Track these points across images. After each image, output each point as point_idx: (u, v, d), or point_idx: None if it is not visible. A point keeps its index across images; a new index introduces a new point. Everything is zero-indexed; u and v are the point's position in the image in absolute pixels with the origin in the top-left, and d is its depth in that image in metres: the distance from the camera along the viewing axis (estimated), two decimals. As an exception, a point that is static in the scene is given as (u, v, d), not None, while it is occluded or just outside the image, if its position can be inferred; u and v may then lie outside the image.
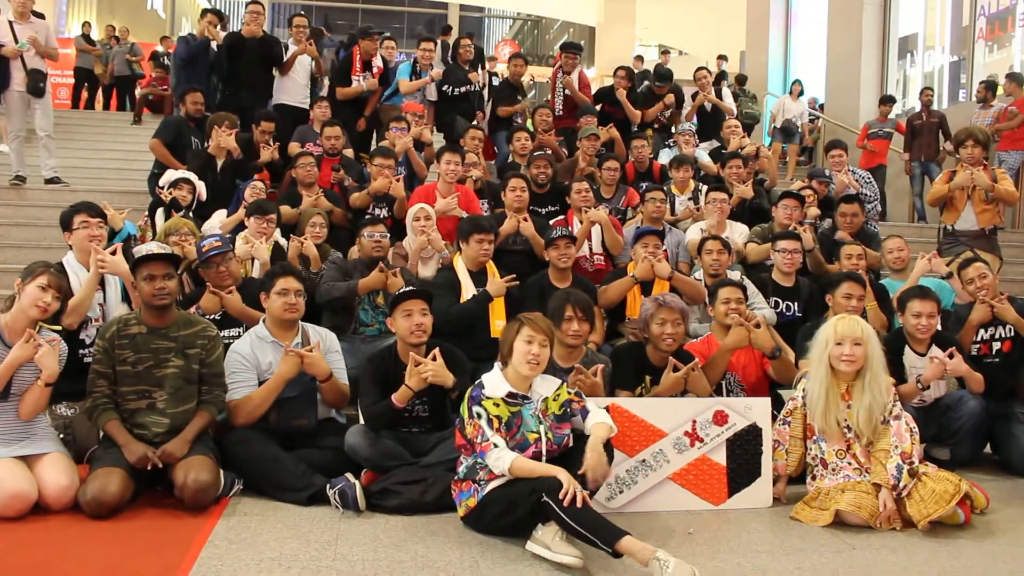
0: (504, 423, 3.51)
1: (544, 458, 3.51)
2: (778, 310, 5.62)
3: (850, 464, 3.97)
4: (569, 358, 4.33)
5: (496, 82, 9.62)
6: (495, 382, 3.60)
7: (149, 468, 3.71)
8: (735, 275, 5.79)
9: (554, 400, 3.64)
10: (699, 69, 10.27)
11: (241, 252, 5.48)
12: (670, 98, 9.42)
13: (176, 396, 3.93)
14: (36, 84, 8.28)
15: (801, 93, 13.42)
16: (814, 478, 4.05)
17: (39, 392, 3.76)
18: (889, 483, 3.79)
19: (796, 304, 5.67)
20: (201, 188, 6.48)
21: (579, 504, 3.18)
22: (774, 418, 4.22)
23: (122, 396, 3.90)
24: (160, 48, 15.62)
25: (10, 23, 8.22)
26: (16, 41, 8.16)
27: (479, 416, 3.50)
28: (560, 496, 3.19)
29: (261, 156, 7.38)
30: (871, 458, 3.93)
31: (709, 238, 5.85)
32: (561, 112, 9.21)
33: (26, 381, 3.76)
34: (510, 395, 3.57)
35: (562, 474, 3.28)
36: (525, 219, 6.10)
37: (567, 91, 9.25)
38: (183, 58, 8.48)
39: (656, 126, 9.52)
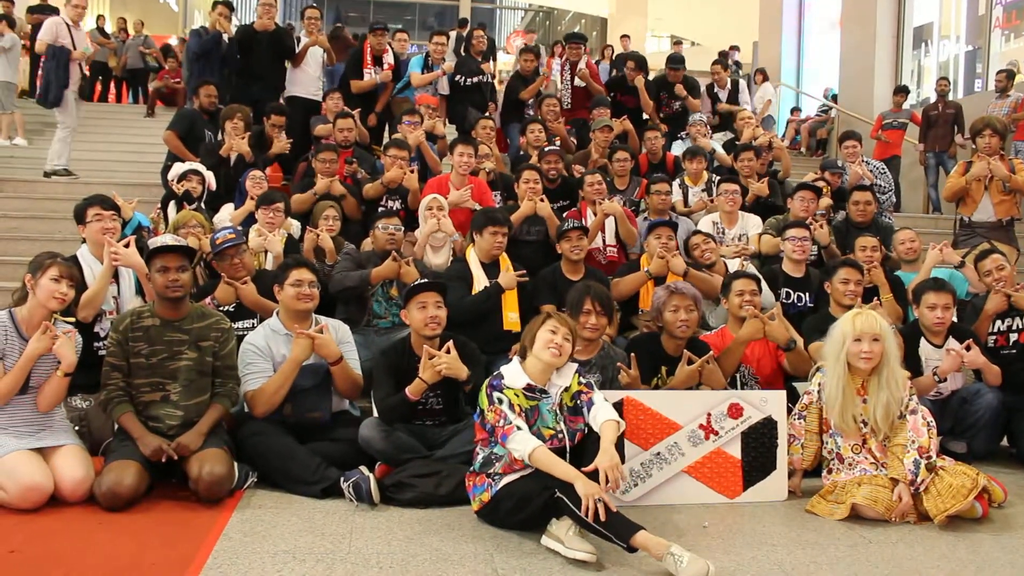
0: (524, 411, 3.50)
1: (568, 456, 3.46)
2: (789, 301, 5.60)
3: (866, 458, 3.95)
4: (586, 351, 4.32)
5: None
6: (514, 373, 3.59)
7: (164, 461, 3.72)
8: (734, 264, 5.80)
9: (565, 391, 3.62)
10: (715, 63, 10.20)
11: (254, 245, 5.49)
12: (662, 130, 9.25)
13: (190, 388, 3.93)
14: (83, 87, 8.91)
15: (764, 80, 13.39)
16: (830, 472, 4.03)
17: (57, 383, 3.78)
18: (907, 478, 3.76)
19: (807, 295, 5.64)
20: (210, 178, 6.48)
21: (603, 515, 3.13)
22: (789, 411, 4.19)
23: (136, 388, 3.90)
24: (173, 41, 15.65)
25: (67, 26, 8.70)
26: (74, 45, 8.69)
27: (500, 401, 3.48)
28: (582, 512, 3.15)
29: (273, 148, 7.37)
30: (887, 453, 3.90)
31: (692, 234, 5.93)
32: (570, 105, 9.17)
33: (43, 374, 3.78)
34: (528, 388, 3.55)
35: (580, 483, 3.21)
36: (542, 200, 6.07)
37: (575, 83, 9.21)
38: (195, 51, 8.49)
39: (662, 116, 9.46)
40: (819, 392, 4.09)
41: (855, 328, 3.92)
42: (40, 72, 8.91)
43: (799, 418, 4.14)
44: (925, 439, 3.83)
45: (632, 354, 4.32)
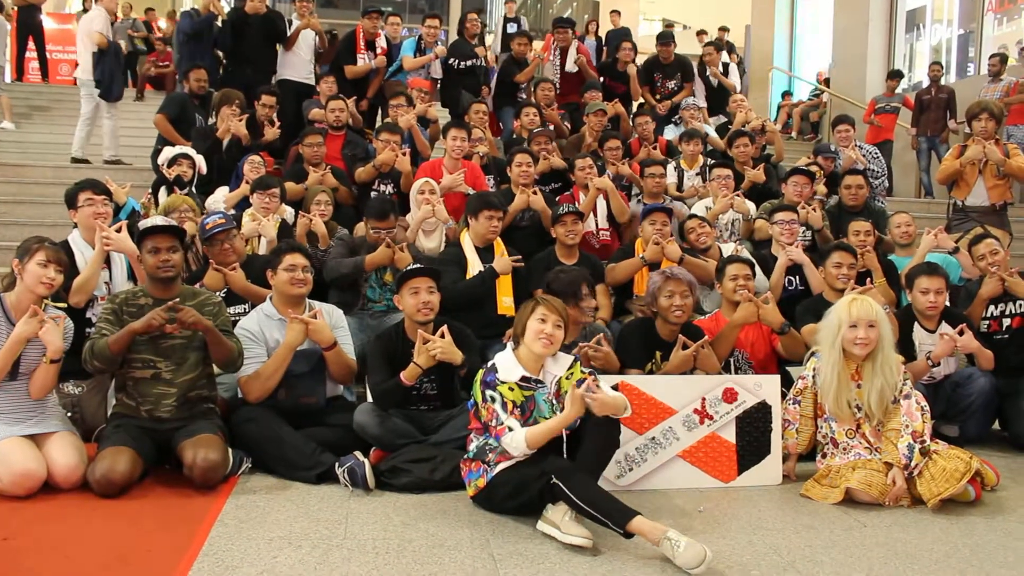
0: (518, 406, 3.49)
1: (564, 445, 3.48)
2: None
3: (860, 443, 3.95)
4: (571, 333, 4.31)
5: (512, 29, 9.55)
6: (508, 365, 3.56)
7: (167, 328, 3.72)
8: (728, 248, 5.80)
9: (567, 379, 3.59)
10: (707, 45, 10.17)
11: (248, 230, 5.46)
12: (658, 110, 9.23)
13: (183, 366, 3.92)
14: None
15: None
16: (824, 456, 4.04)
17: (45, 370, 3.75)
18: (901, 462, 3.77)
19: (798, 278, 5.63)
20: (201, 162, 6.43)
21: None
22: (783, 396, 4.20)
23: (128, 363, 3.88)
24: (162, 24, 15.52)
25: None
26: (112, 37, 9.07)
27: (493, 400, 3.46)
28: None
29: (265, 135, 7.32)
30: (881, 437, 3.91)
31: (688, 218, 5.92)
32: (559, 90, 9.14)
33: (34, 360, 3.75)
34: (523, 379, 3.53)
35: (572, 411, 3.33)
36: (535, 192, 6.06)
37: (567, 67, 9.18)
38: (187, 34, 8.43)
39: (657, 97, 9.45)
40: (813, 377, 4.09)
41: (851, 314, 3.91)
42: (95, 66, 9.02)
43: (794, 403, 4.15)
44: (919, 423, 3.84)
45: (602, 335, 4.33)
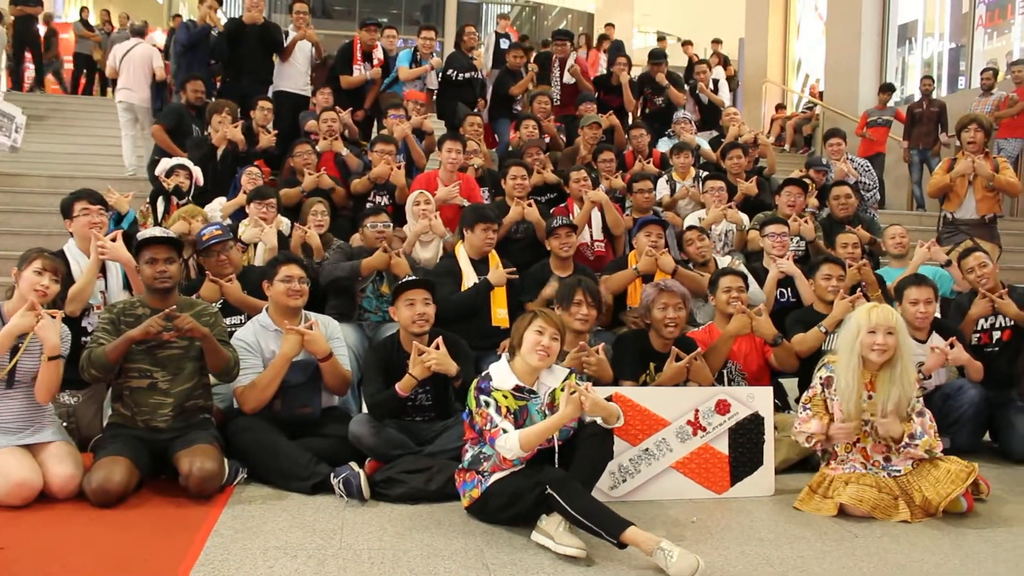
0: (512, 412, 3.50)
1: (555, 456, 3.50)
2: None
3: (857, 457, 3.96)
4: (572, 344, 4.34)
5: (505, 44, 9.60)
6: (502, 374, 3.58)
7: (164, 335, 3.75)
8: (724, 261, 5.83)
9: (561, 391, 3.59)
10: (700, 62, 10.25)
11: (249, 235, 5.50)
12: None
13: (179, 376, 3.94)
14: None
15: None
16: (827, 464, 4.06)
17: (46, 369, 3.72)
18: (908, 430, 3.85)
19: (789, 290, 5.67)
20: (197, 173, 6.45)
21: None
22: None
23: (124, 373, 3.89)
24: (159, 35, 15.57)
25: None
26: None
27: (487, 404, 3.48)
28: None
29: (260, 142, 7.35)
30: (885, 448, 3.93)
31: (686, 229, 5.94)
32: (559, 101, 9.19)
33: (31, 368, 3.75)
34: (517, 389, 3.56)
35: (568, 410, 3.36)
36: (529, 204, 6.10)
37: (564, 80, 9.23)
38: (184, 45, 8.46)
39: (648, 110, 9.51)
40: (821, 385, 4.07)
41: (870, 320, 3.88)
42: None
43: (804, 410, 4.09)
44: (934, 439, 3.90)
45: (602, 345, 4.35)
